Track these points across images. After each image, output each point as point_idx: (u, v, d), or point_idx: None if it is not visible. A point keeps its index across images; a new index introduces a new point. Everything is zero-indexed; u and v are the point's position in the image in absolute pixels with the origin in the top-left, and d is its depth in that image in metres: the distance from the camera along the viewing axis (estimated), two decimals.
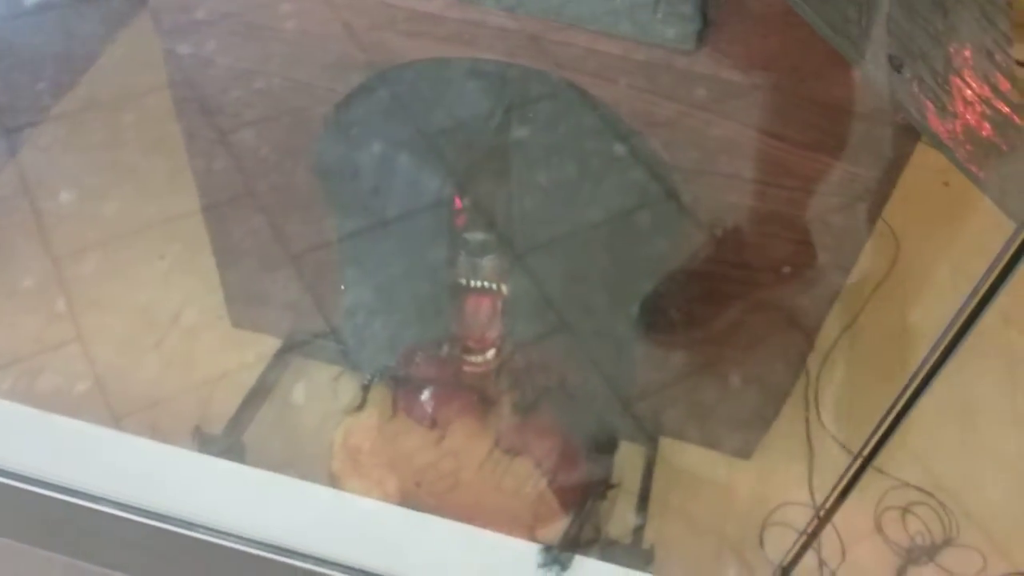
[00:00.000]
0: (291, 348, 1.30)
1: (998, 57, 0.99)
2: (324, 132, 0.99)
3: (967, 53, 0.93)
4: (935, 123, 0.80)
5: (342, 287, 1.27)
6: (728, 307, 1.09)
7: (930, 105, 0.80)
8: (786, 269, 0.97)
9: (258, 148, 1.04)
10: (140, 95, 1.55)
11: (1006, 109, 0.93)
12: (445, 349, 1.31)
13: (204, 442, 1.11)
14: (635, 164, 0.91)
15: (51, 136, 1.53)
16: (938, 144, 0.79)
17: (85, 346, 1.30)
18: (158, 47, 0.95)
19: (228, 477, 0.92)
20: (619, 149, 0.90)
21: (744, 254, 0.97)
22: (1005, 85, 0.97)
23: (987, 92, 0.94)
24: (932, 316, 1.45)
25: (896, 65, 0.79)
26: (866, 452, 0.76)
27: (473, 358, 1.29)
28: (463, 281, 1.24)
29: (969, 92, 0.89)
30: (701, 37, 0.79)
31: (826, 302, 0.99)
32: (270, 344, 1.32)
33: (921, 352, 1.39)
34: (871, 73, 0.75)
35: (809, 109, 0.82)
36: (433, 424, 1.26)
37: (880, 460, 1.25)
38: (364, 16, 0.85)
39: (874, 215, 0.89)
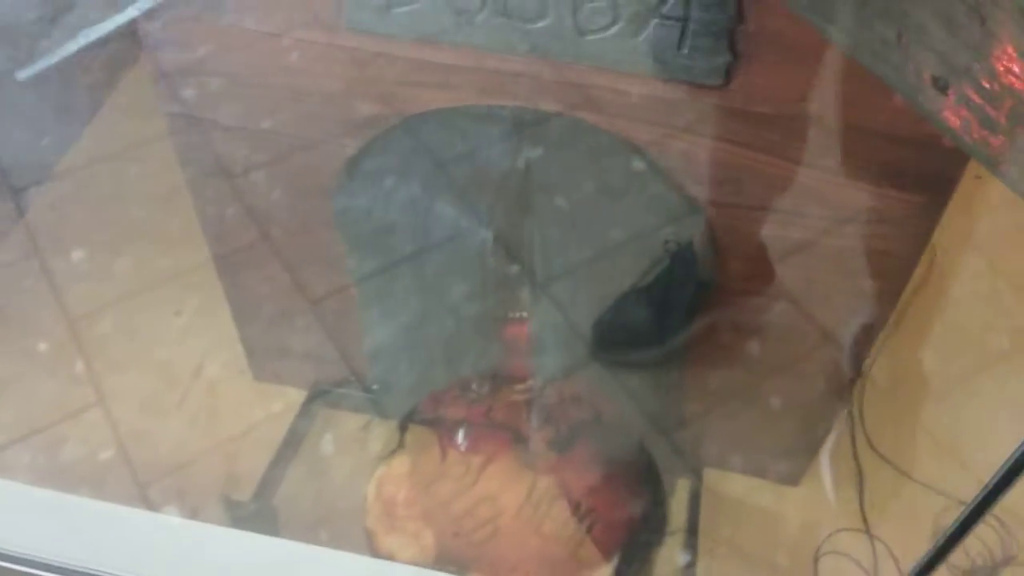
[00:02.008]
0: (316, 398, 1.27)
1: None
2: (342, 181, 0.95)
3: (1010, 60, 0.88)
4: (986, 144, 0.75)
5: (366, 332, 1.23)
6: (770, 335, 1.05)
7: (978, 124, 0.76)
8: (828, 300, 0.93)
9: (268, 198, 1.00)
10: (145, 143, 1.52)
11: None
12: (474, 387, 1.28)
13: (234, 510, 1.08)
14: (668, 201, 0.87)
15: (57, 193, 1.50)
16: (992, 168, 0.74)
17: (106, 409, 1.27)
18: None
19: (261, 552, 0.89)
20: (650, 188, 0.85)
21: (786, 284, 0.93)
22: None
23: None
24: (974, 319, 1.40)
25: (941, 86, 0.75)
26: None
27: (519, 386, 1.26)
28: (501, 313, 1.21)
29: (1015, 102, 0.84)
30: (730, 71, 0.75)
31: (873, 330, 0.94)
32: (295, 395, 1.28)
33: (964, 357, 1.34)
34: (916, 98, 0.71)
35: (850, 138, 0.77)
36: (468, 468, 1.22)
37: (932, 477, 1.21)
38: (377, 69, 0.82)
39: (923, 241, 0.85)
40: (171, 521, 0.95)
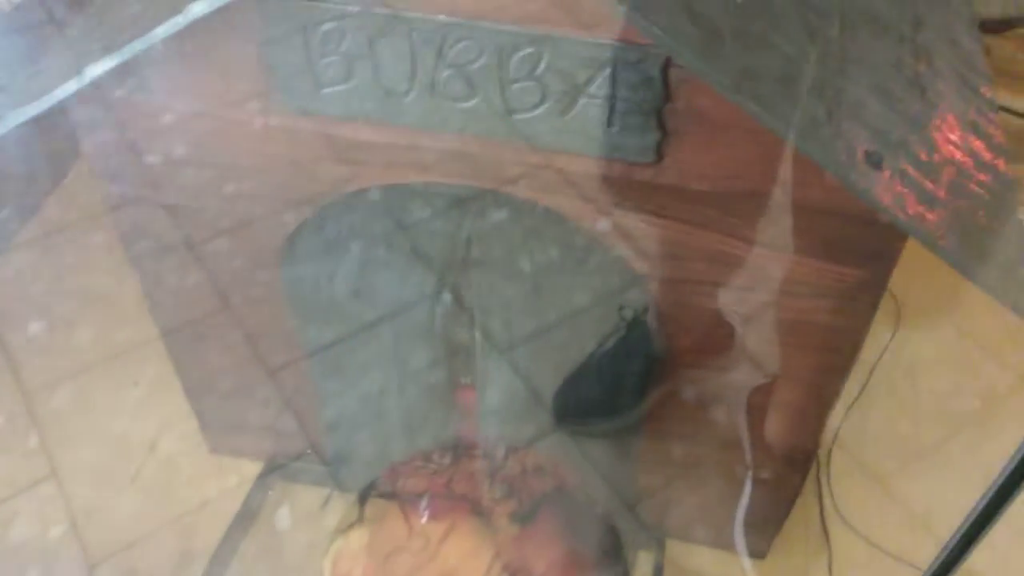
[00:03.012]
0: (272, 472, 1.24)
1: (984, 127, 0.94)
2: (285, 256, 0.94)
3: (950, 130, 0.88)
4: (922, 220, 0.74)
5: (320, 404, 1.21)
6: (724, 407, 1.03)
7: (914, 199, 0.75)
8: (779, 373, 0.92)
9: (214, 272, 0.99)
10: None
11: (994, 184, 0.88)
12: (435, 458, 1.25)
13: None
14: (613, 274, 0.86)
15: (18, 264, 1.49)
16: (929, 244, 0.73)
17: (60, 483, 1.25)
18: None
19: None
20: (594, 262, 0.84)
21: (729, 358, 0.91)
22: (994, 159, 0.91)
23: (971, 169, 0.88)
24: (943, 382, 1.38)
25: (874, 162, 0.74)
26: None
27: (480, 458, 1.24)
28: (459, 382, 1.20)
29: (955, 174, 0.84)
30: (662, 148, 0.74)
31: (827, 402, 0.93)
32: (252, 468, 1.26)
33: (934, 422, 1.32)
34: (847, 175, 0.70)
35: (786, 213, 0.77)
36: (427, 541, 1.19)
37: (903, 548, 1.18)
38: (312, 147, 0.81)
39: (868, 314, 0.84)
40: None
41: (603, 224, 0.82)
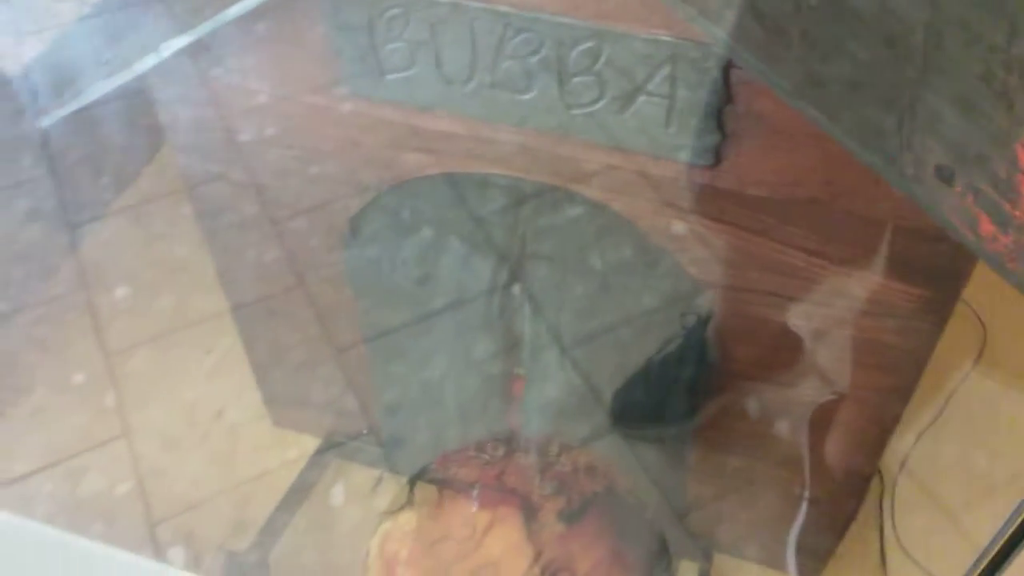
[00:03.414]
0: (329, 449, 1.27)
1: None
2: (347, 239, 0.96)
3: None
4: (993, 241, 0.70)
5: (381, 387, 1.23)
6: (781, 422, 1.00)
7: (987, 218, 0.71)
8: (837, 391, 0.88)
9: (283, 251, 1.02)
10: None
11: None
12: (489, 450, 1.26)
13: (230, 562, 1.08)
14: (670, 278, 0.84)
15: (111, 231, 1.56)
16: (997, 267, 0.70)
17: (130, 443, 1.30)
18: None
19: None
20: (650, 263, 0.83)
21: (787, 372, 0.88)
22: None
23: None
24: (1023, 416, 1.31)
25: (945, 177, 0.70)
26: None
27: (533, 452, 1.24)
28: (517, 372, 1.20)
29: None
30: (720, 151, 0.72)
31: (886, 425, 0.89)
32: (312, 444, 1.29)
33: (1010, 456, 1.25)
34: (913, 189, 0.67)
35: (848, 225, 0.74)
36: (473, 531, 1.20)
37: None
38: (375, 133, 0.82)
39: (933, 336, 0.80)
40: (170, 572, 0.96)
41: (661, 225, 0.81)
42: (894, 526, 1.18)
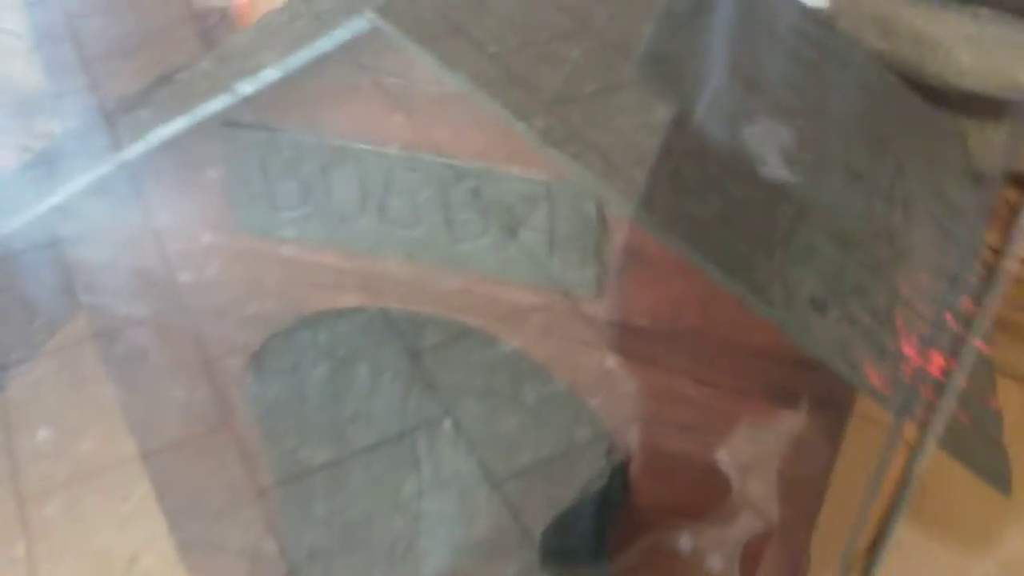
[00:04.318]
0: None
1: (961, 278, 0.92)
2: (251, 378, 0.95)
3: (918, 280, 0.86)
4: (871, 371, 0.71)
5: (296, 531, 1.20)
6: (705, 557, 0.98)
7: (861, 347, 0.73)
8: (746, 524, 0.87)
9: (190, 394, 1.01)
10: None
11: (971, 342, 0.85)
12: None
13: None
14: (554, 406, 0.84)
15: (41, 372, 1.54)
16: (874, 395, 0.71)
17: None
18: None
19: None
20: (537, 391, 0.83)
21: (700, 505, 0.87)
22: (970, 310, 0.88)
23: (948, 322, 0.85)
24: (961, 545, 1.29)
25: (818, 307, 0.72)
26: None
27: None
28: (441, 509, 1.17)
29: (920, 325, 0.81)
30: (601, 283, 0.74)
31: (796, 556, 0.87)
32: None
33: None
34: (782, 318, 0.68)
35: (732, 355, 0.75)
36: None
37: None
38: (268, 270, 0.83)
39: (828, 463, 0.80)
40: None
41: (556, 357, 0.82)
42: None
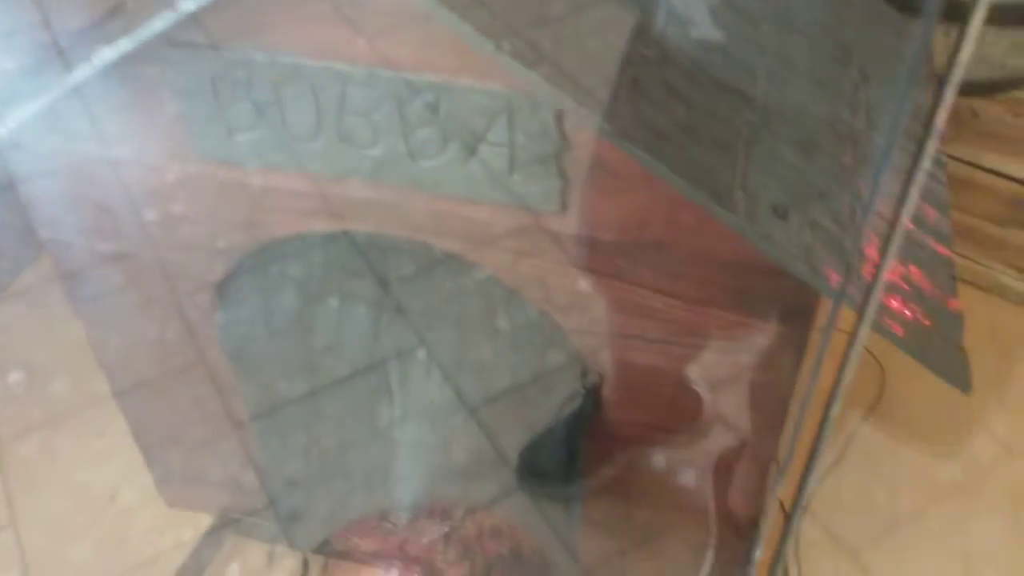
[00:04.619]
0: (224, 526, 1.23)
1: (927, 185, 0.92)
2: (216, 307, 0.95)
3: (883, 184, 0.86)
4: (833, 275, 0.72)
5: (275, 459, 1.20)
6: (677, 471, 1.00)
7: (823, 252, 0.73)
8: (715, 434, 0.89)
9: (156, 324, 1.00)
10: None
11: (932, 246, 0.85)
12: (391, 519, 1.23)
13: None
14: (526, 328, 0.84)
15: (8, 314, 1.53)
16: (834, 297, 0.71)
17: (17, 532, 1.25)
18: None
19: None
20: (508, 313, 0.83)
21: (672, 418, 0.89)
22: (932, 215, 0.89)
23: (910, 227, 0.86)
24: (924, 452, 1.32)
25: (780, 214, 0.72)
26: None
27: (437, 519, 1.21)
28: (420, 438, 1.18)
29: (880, 228, 0.81)
30: (564, 197, 0.73)
31: (762, 467, 0.89)
32: (208, 522, 1.25)
33: (912, 493, 1.26)
34: (744, 226, 0.68)
35: (694, 265, 0.75)
36: None
37: None
38: (226, 196, 0.82)
39: (792, 371, 0.81)
40: None
41: (524, 274, 0.81)
42: (799, 569, 1.17)
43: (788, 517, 0.76)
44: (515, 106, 0.69)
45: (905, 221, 0.49)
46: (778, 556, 0.89)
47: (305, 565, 1.17)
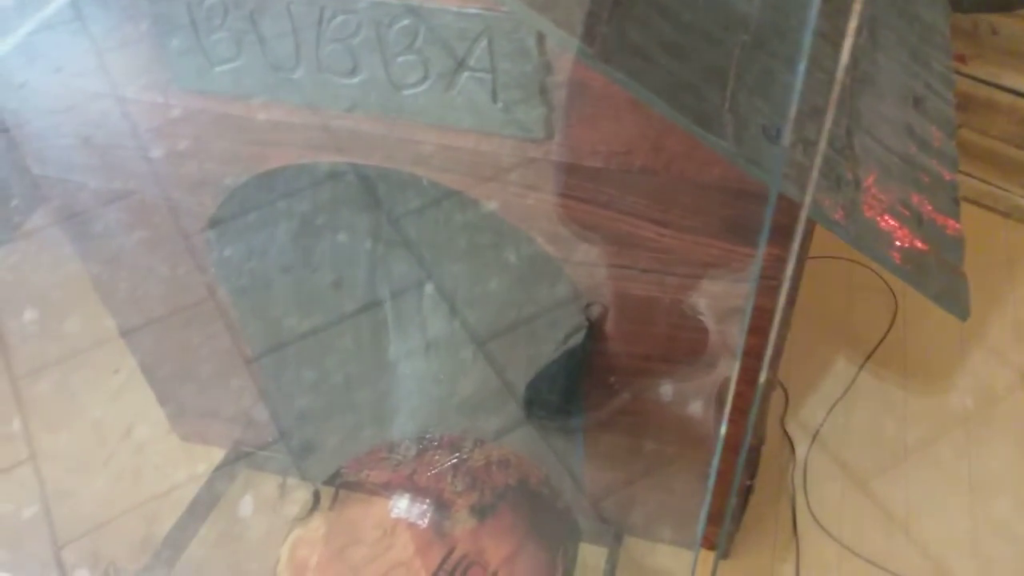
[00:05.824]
0: (237, 459, 1.25)
1: (930, 104, 0.89)
2: (211, 243, 0.95)
3: (881, 105, 0.83)
4: (826, 200, 0.70)
5: (285, 393, 1.22)
6: (678, 400, 0.99)
7: (817, 174, 0.71)
8: (713, 361, 0.88)
9: (157, 265, 1.00)
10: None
11: (936, 169, 0.82)
12: (400, 450, 1.24)
13: None
14: (518, 258, 0.83)
15: (21, 253, 1.54)
16: (825, 221, 0.69)
17: (36, 467, 1.28)
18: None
19: None
20: (501, 243, 0.82)
21: (670, 347, 0.88)
22: (937, 136, 0.86)
23: (912, 150, 0.83)
24: (936, 381, 1.31)
25: (771, 136, 0.70)
26: None
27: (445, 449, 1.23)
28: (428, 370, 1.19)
29: (881, 153, 0.79)
30: (550, 124, 0.72)
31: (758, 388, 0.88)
32: (221, 456, 1.27)
33: (922, 423, 1.25)
34: (731, 149, 0.66)
35: (683, 191, 0.73)
36: (384, 532, 1.18)
37: (878, 552, 1.12)
38: (209, 128, 0.81)
39: (791, 295, 0.79)
40: None
41: (512, 204, 0.80)
42: (807, 497, 1.17)
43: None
44: (495, 29, 0.67)
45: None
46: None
47: (316, 496, 1.19)
